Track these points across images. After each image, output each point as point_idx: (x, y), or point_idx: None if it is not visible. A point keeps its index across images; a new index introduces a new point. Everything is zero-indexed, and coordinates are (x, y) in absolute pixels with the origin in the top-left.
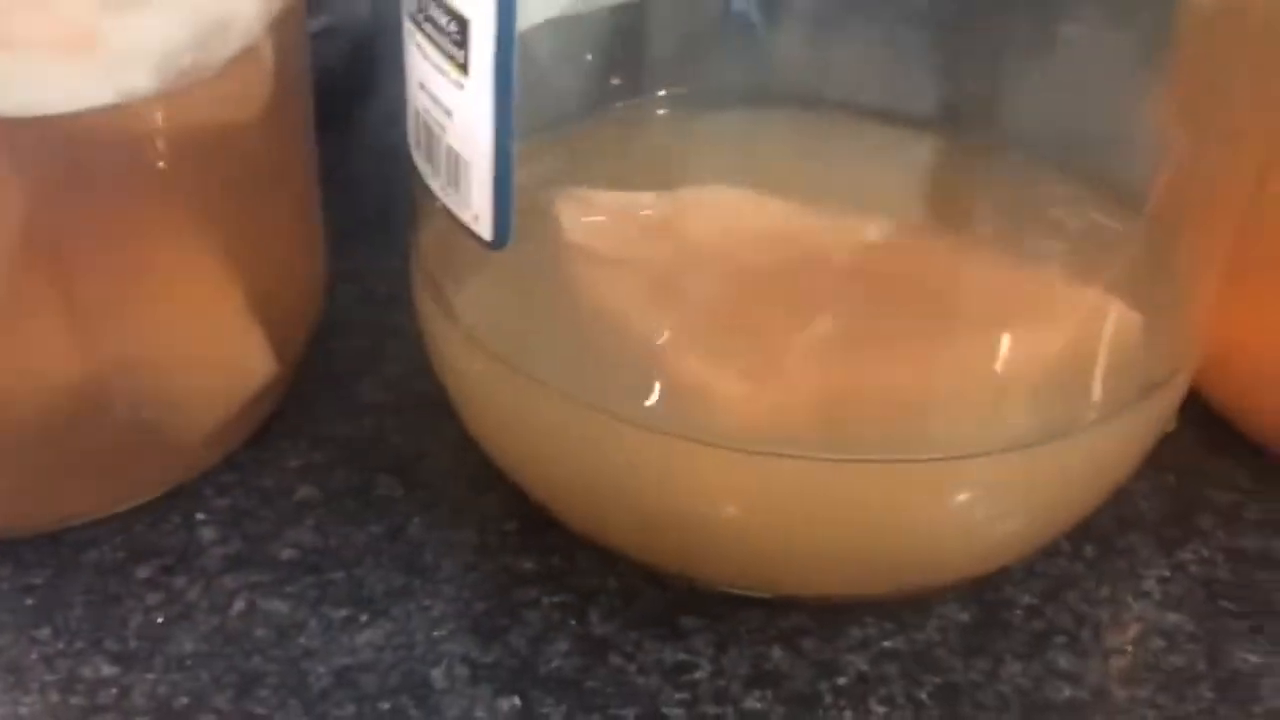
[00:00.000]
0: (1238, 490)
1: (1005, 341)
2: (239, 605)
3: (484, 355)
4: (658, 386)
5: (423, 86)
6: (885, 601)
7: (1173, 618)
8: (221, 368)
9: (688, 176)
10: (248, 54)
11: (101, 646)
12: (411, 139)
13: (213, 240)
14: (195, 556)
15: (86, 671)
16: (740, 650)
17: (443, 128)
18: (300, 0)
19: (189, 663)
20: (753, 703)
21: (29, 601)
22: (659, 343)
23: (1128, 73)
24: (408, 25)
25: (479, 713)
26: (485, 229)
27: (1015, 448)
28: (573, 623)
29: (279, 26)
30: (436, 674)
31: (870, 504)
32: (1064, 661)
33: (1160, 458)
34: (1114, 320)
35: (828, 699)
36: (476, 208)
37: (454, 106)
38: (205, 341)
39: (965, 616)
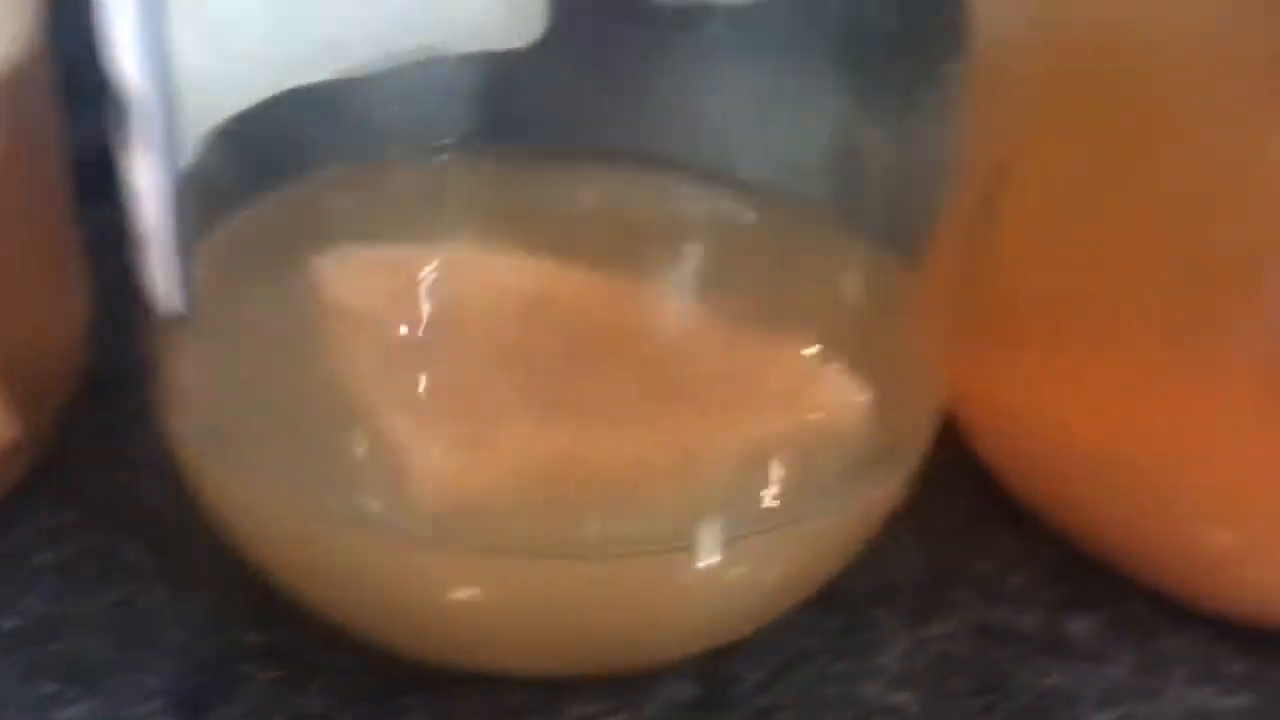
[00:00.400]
0: (1001, 559)
1: (731, 420)
2: None
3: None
4: (364, 472)
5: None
6: (612, 678)
7: (901, 697)
8: None
9: (440, 233)
10: None
11: None
12: None
13: None
14: None
15: None
16: None
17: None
18: (38, 47)
19: None
20: None
21: None
22: (375, 424)
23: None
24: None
25: None
26: (161, 300)
27: (741, 536)
28: (290, 699)
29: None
30: None
31: (587, 599)
32: None
33: (931, 523)
34: (846, 395)
35: None
36: (154, 279)
37: (130, 178)
38: None
39: (691, 693)
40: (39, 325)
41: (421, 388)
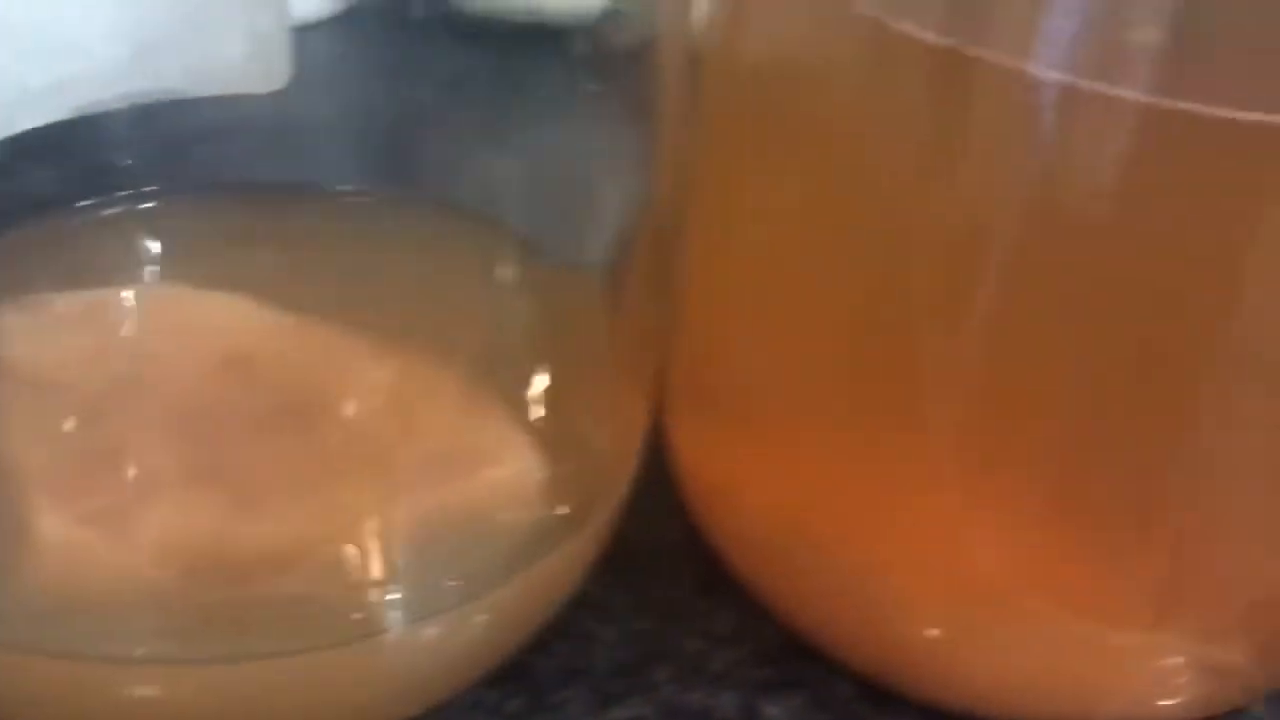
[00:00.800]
0: (713, 637)
1: (409, 492)
2: None
3: None
4: None
5: None
6: None
7: None
8: None
9: (141, 279)
10: None
11: None
12: None
13: None
14: None
15: None
16: None
17: None
18: None
19: None
20: None
21: None
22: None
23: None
24: None
25: None
26: None
27: (394, 628)
28: None
29: None
30: None
31: (220, 704)
32: None
33: (649, 598)
34: (530, 465)
35: None
36: None
37: None
38: None
39: None
40: None
41: (72, 453)
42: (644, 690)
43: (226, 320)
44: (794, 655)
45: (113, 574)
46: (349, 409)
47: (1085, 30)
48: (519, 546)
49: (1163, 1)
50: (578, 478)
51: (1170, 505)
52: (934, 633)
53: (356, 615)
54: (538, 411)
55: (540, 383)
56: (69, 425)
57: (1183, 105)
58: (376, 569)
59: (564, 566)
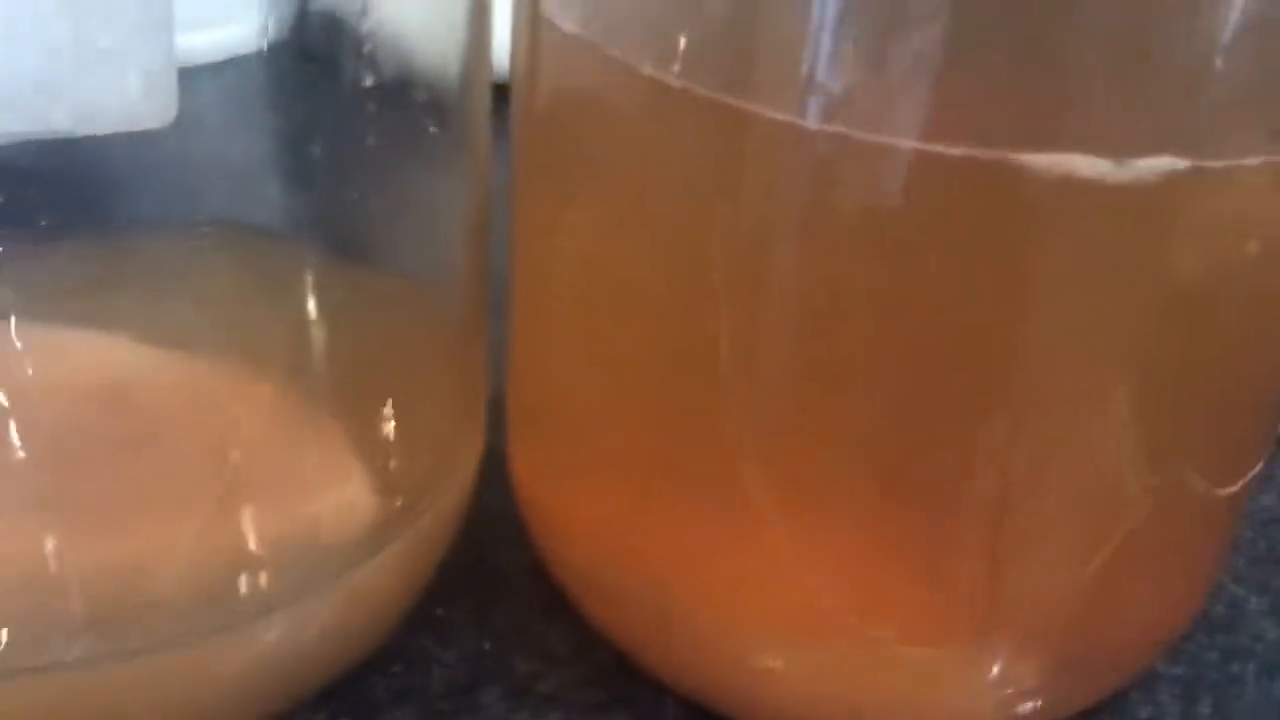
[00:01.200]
0: (546, 658)
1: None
2: None
3: None
4: None
5: None
6: None
7: None
8: None
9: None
10: None
11: None
12: None
13: None
14: None
15: None
16: None
17: None
18: None
19: None
20: None
21: None
22: None
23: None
24: None
25: None
26: None
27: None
28: None
29: None
30: None
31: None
32: None
33: (491, 618)
34: (356, 484)
35: None
36: None
37: None
38: None
39: None
40: None
41: None
42: (472, 711)
43: (80, 356)
44: (626, 677)
45: None
46: (189, 434)
47: (832, 76)
48: (344, 558)
49: (903, 46)
50: (406, 490)
51: (981, 525)
52: (758, 658)
53: (177, 620)
54: (369, 428)
55: (376, 403)
56: None
57: (941, 149)
58: (197, 577)
59: (386, 580)
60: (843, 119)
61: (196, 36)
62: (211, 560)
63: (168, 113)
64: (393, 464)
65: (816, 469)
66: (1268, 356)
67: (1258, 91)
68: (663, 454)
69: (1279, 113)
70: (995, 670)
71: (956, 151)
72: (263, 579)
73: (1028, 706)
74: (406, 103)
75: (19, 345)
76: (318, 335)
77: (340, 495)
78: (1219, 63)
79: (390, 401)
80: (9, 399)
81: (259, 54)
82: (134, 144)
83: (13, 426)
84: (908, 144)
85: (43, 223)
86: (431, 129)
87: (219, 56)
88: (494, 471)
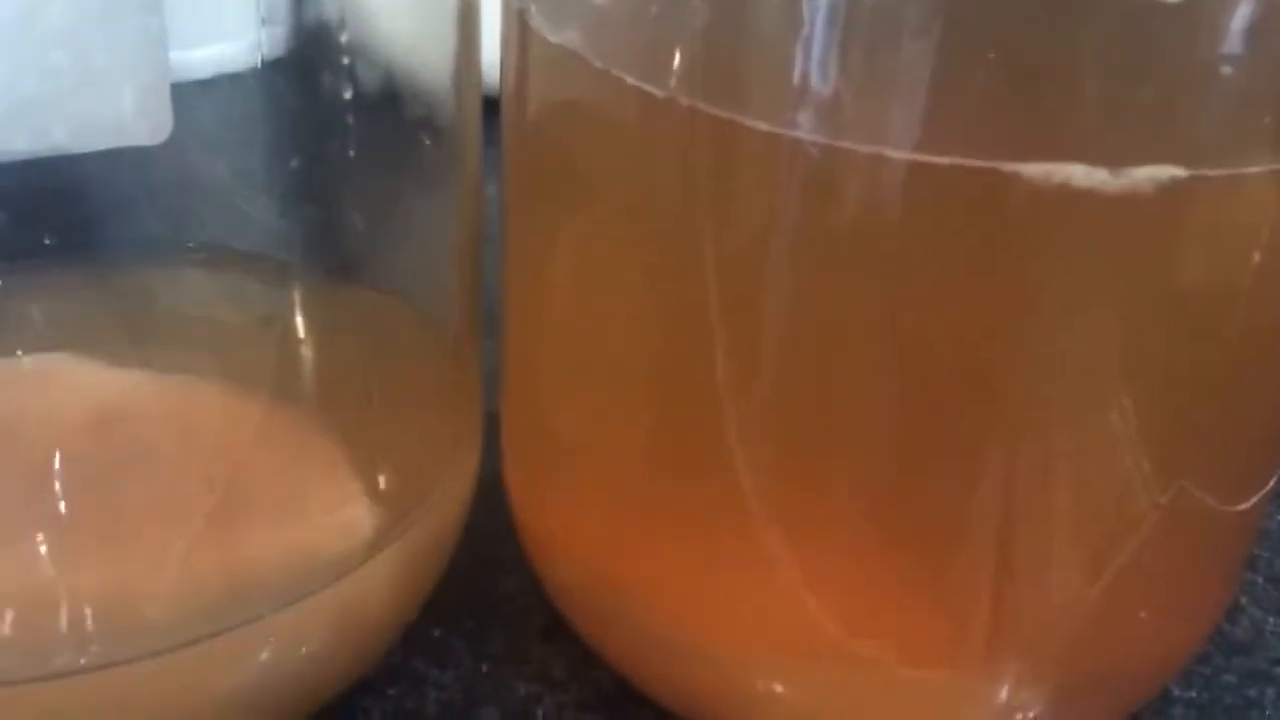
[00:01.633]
0: (544, 681)
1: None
2: None
3: None
4: None
5: None
6: None
7: None
8: None
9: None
10: None
11: None
12: None
13: None
14: None
15: None
16: None
17: None
18: None
19: None
20: None
21: None
22: None
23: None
24: None
25: None
26: None
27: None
28: None
29: None
30: None
31: None
32: None
33: (489, 641)
34: (352, 502)
35: None
36: None
37: None
38: None
39: None
40: None
41: None
42: None
43: (76, 380)
44: (624, 699)
45: None
46: (182, 455)
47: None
48: (334, 568)
49: (891, 61)
50: (395, 501)
51: (982, 544)
52: (757, 682)
53: (168, 631)
54: (358, 441)
55: (364, 417)
56: None
57: (934, 159)
58: (186, 587)
59: (377, 592)
60: (834, 129)
61: (191, 54)
62: (200, 569)
63: (163, 129)
64: (382, 475)
65: (815, 488)
66: (1273, 370)
67: (1259, 98)
68: (659, 475)
69: None
70: (1001, 694)
71: (948, 161)
72: (251, 588)
73: None
74: (398, 118)
75: (15, 369)
76: (307, 351)
77: (329, 506)
78: (1218, 69)
79: (379, 414)
80: (8, 421)
81: (253, 70)
82: (128, 161)
83: (17, 446)
84: (900, 155)
85: (39, 244)
86: (423, 144)
87: (213, 73)
88: (492, 493)
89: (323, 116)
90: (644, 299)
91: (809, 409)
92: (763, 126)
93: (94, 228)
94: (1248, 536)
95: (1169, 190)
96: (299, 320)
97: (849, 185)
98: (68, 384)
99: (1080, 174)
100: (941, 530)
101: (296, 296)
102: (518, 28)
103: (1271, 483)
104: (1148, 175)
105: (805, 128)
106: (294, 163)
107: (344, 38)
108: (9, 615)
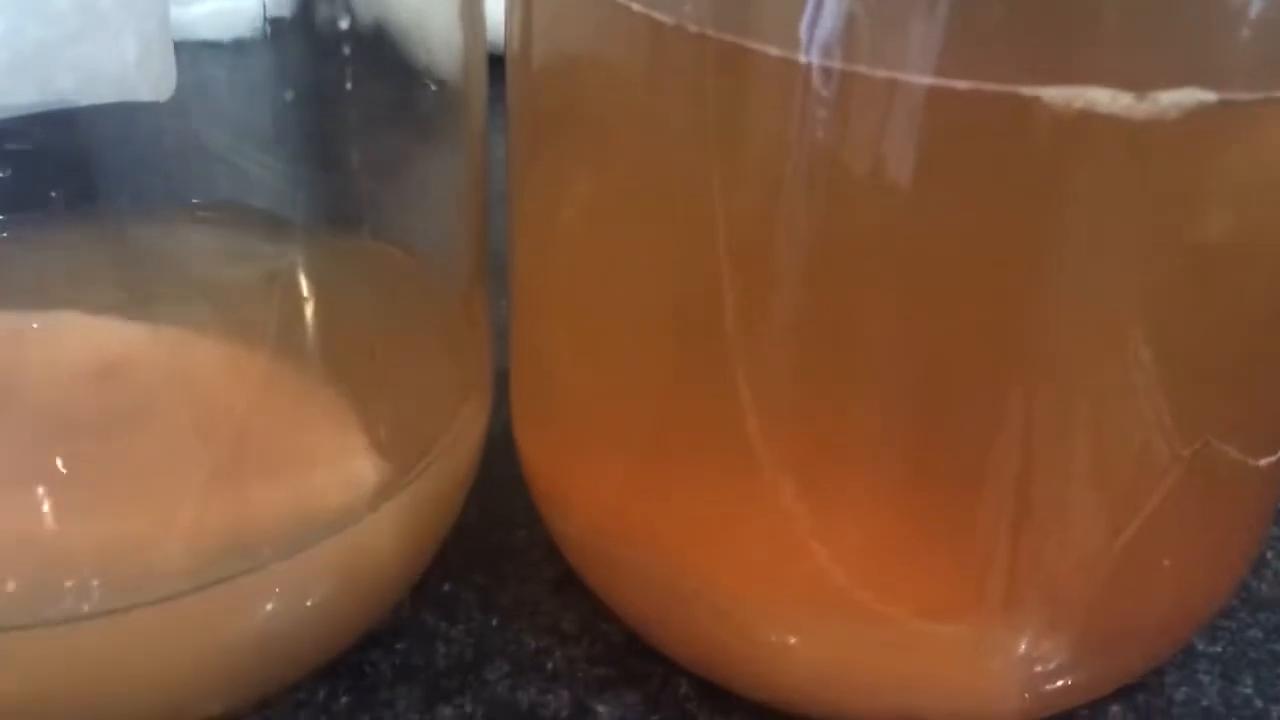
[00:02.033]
0: (555, 635)
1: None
2: None
3: None
4: None
5: None
6: None
7: None
8: None
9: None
10: None
11: None
12: None
13: None
14: None
15: None
16: None
17: None
18: None
19: None
20: None
21: None
22: None
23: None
24: None
25: None
26: None
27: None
28: None
29: None
30: None
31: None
32: None
33: (500, 595)
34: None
35: None
36: None
37: None
38: None
39: None
40: None
41: None
42: (476, 688)
43: (81, 334)
44: (635, 654)
45: None
46: (188, 407)
47: (846, 16)
48: (341, 516)
49: None
50: (401, 450)
51: (1002, 494)
52: (770, 634)
53: (168, 577)
54: (363, 390)
55: (369, 366)
56: None
57: (951, 83)
58: (194, 534)
59: (384, 540)
60: (849, 55)
61: (197, 10)
62: (204, 518)
63: (167, 84)
64: (386, 428)
65: (831, 437)
66: None
67: None
68: (670, 425)
69: None
70: (1020, 648)
71: (966, 85)
72: (255, 537)
73: (1056, 686)
74: (402, 70)
75: (22, 323)
76: (312, 304)
77: (333, 457)
78: None
79: (383, 367)
80: (15, 374)
81: (257, 26)
82: (133, 119)
83: (24, 399)
84: (916, 79)
85: (45, 199)
86: (428, 97)
87: (217, 29)
88: (503, 448)
89: (327, 71)
90: (655, 241)
91: (823, 352)
92: (775, 52)
93: (99, 184)
94: (1274, 491)
95: (1196, 116)
96: (303, 274)
97: (862, 113)
98: (74, 338)
99: (1103, 98)
100: (960, 477)
101: (301, 250)
102: None
103: None
104: (1174, 100)
105: (819, 53)
106: (299, 117)
107: None
108: (18, 562)
